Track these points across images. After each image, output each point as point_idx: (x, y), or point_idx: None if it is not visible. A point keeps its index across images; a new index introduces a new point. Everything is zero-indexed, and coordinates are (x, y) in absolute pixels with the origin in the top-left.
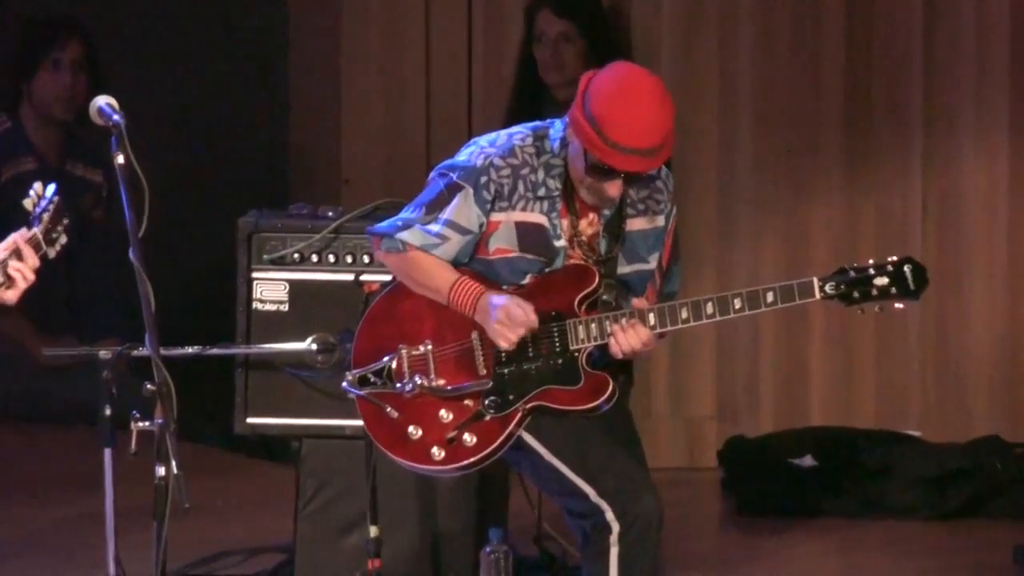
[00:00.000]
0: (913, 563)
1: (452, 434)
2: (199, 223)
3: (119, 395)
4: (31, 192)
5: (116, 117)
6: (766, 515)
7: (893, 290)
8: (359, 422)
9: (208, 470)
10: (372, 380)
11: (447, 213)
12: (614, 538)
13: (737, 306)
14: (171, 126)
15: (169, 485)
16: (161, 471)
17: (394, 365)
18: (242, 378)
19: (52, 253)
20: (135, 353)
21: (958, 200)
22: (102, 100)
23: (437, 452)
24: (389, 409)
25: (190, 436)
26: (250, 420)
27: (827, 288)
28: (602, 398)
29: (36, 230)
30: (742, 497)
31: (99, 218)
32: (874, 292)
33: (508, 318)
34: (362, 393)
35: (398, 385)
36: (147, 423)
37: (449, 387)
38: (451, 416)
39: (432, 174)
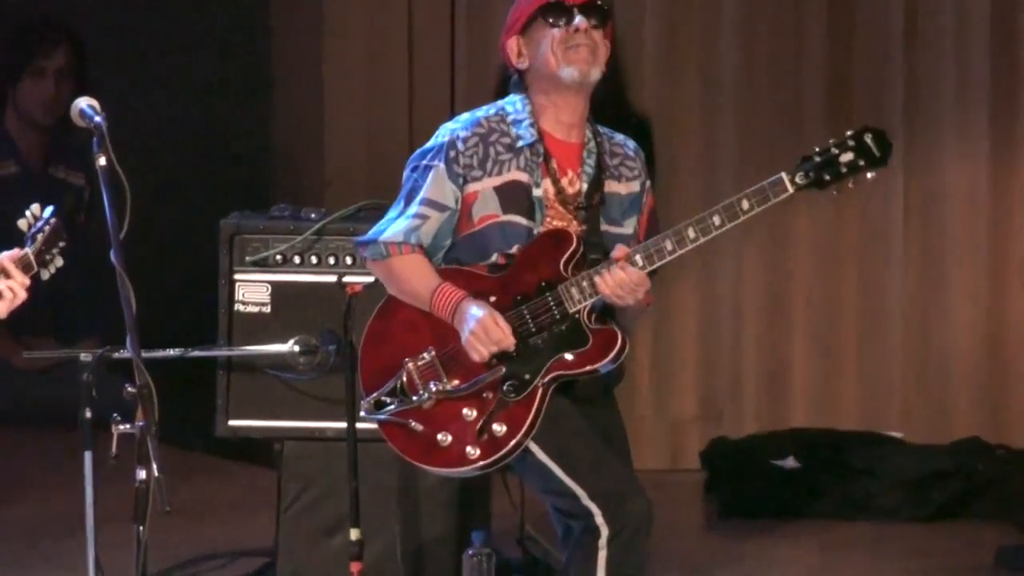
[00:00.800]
0: (895, 564)
1: (481, 427)
2: (181, 225)
3: (100, 397)
4: (28, 213)
5: (97, 119)
6: (749, 516)
7: (860, 162)
8: (341, 424)
9: (189, 473)
10: (388, 401)
11: (422, 192)
12: (603, 541)
13: (717, 223)
14: (154, 128)
15: (150, 488)
16: (142, 474)
17: (404, 379)
18: (224, 380)
19: (46, 275)
20: (116, 355)
21: (939, 202)
22: (83, 102)
23: (472, 451)
24: (413, 424)
25: (171, 439)
26: (232, 422)
27: (798, 179)
28: (614, 351)
29: (28, 250)
30: (725, 499)
31: (82, 221)
32: (843, 169)
33: (485, 333)
34: (383, 416)
35: (415, 398)
36: (128, 426)
37: (464, 385)
38: (475, 412)
39: (405, 172)
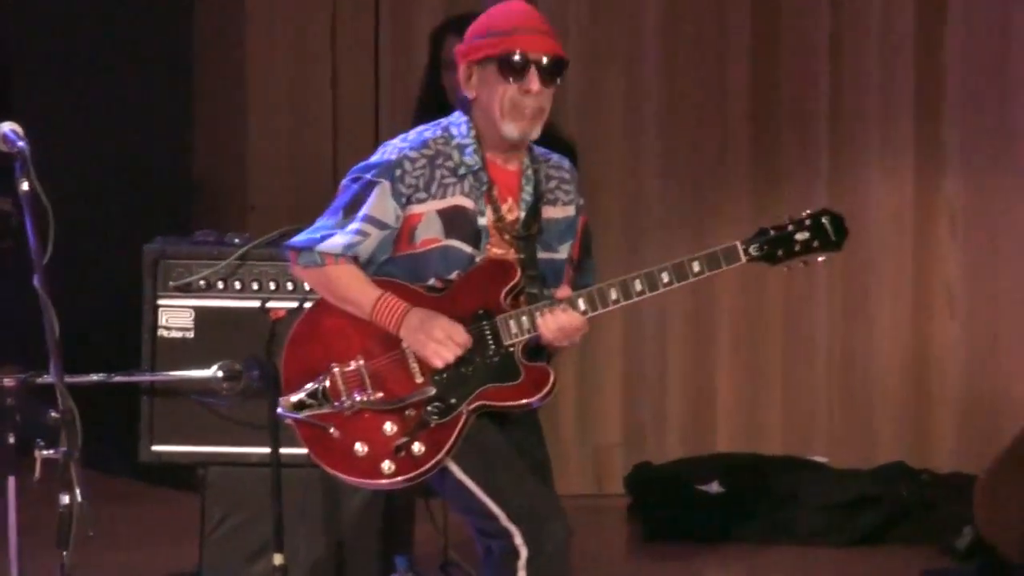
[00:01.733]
0: None
1: (399, 444)
2: (105, 250)
3: (23, 422)
4: None
5: (20, 144)
6: (674, 541)
7: (815, 243)
8: (265, 449)
9: (113, 498)
10: (308, 402)
11: (364, 209)
12: (522, 563)
13: (665, 280)
14: (77, 152)
15: (73, 513)
16: (65, 499)
17: (328, 384)
18: (147, 405)
19: None
20: (39, 380)
21: (864, 223)
22: (6, 127)
23: (388, 466)
24: (332, 429)
25: (95, 464)
26: (155, 448)
27: (751, 250)
28: (544, 389)
29: None
30: (649, 524)
31: (9, 246)
32: (797, 248)
33: (448, 337)
34: (301, 416)
35: (336, 404)
36: (51, 451)
37: (389, 400)
38: (396, 428)
39: (344, 180)
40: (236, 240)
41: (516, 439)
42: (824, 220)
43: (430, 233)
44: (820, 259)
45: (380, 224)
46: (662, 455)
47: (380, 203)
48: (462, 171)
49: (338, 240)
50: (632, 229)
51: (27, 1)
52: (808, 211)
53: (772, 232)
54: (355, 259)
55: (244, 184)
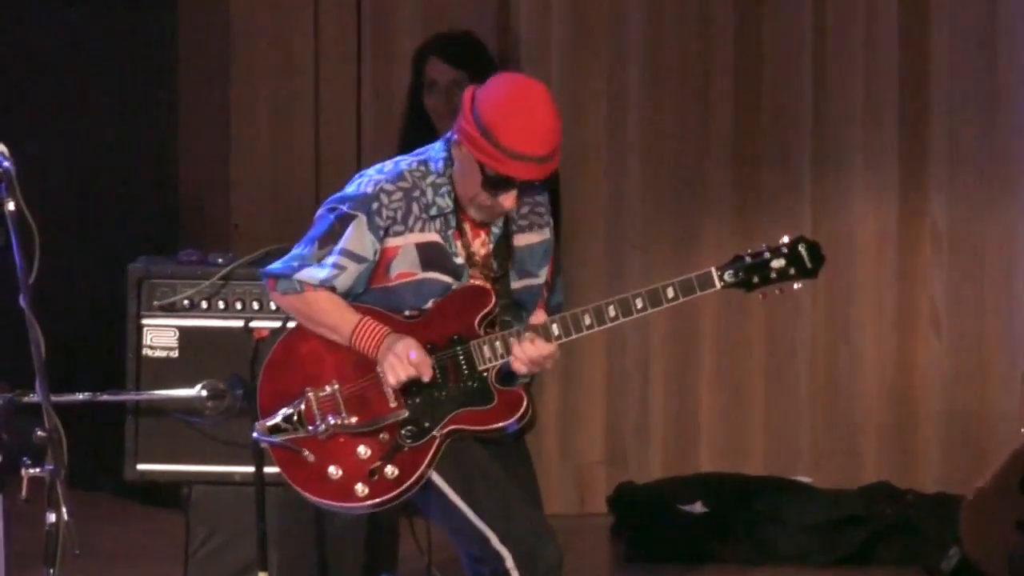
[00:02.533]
0: None
1: (373, 467)
2: (89, 269)
3: (9, 441)
4: None
5: (5, 164)
6: (656, 561)
7: (791, 271)
8: (249, 468)
9: (99, 516)
10: (283, 426)
11: (342, 243)
12: None
13: (639, 306)
14: (61, 172)
15: (60, 531)
16: (52, 517)
17: (303, 408)
18: (132, 424)
19: None
20: (25, 399)
21: (847, 245)
22: None
23: (361, 489)
24: (306, 453)
25: (81, 482)
26: (140, 466)
27: (726, 277)
28: (518, 413)
29: None
30: (632, 543)
31: None
32: (773, 275)
33: (402, 356)
34: (275, 440)
35: (310, 427)
36: (37, 469)
37: (363, 423)
38: (370, 451)
39: (320, 210)
40: (220, 260)
41: (506, 463)
42: (801, 248)
43: (405, 267)
44: (796, 286)
45: (357, 258)
46: (645, 474)
47: (357, 237)
48: (433, 212)
49: (315, 273)
50: (612, 252)
51: (10, 22)
52: (785, 239)
53: (748, 259)
54: (332, 290)
55: (228, 204)
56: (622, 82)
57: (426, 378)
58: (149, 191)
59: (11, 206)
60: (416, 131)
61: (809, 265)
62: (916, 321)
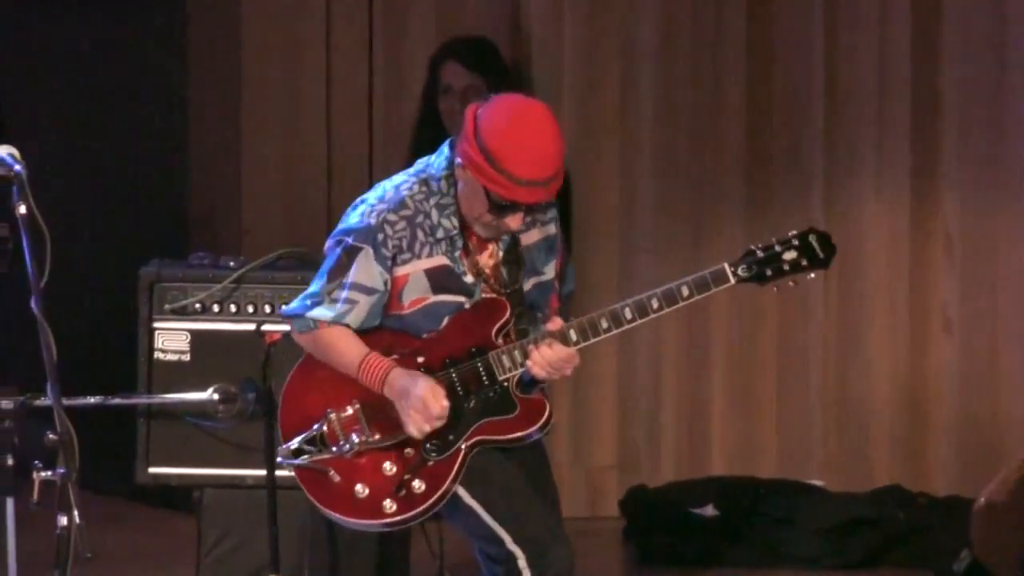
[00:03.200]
0: None
1: (400, 483)
2: (101, 273)
3: (21, 444)
4: None
5: (17, 167)
6: (667, 565)
7: (804, 262)
8: (261, 471)
9: (110, 520)
10: (306, 449)
11: (351, 276)
12: None
13: (655, 306)
14: (73, 176)
15: (71, 535)
16: (63, 520)
17: (325, 430)
18: (144, 428)
19: None
20: (37, 403)
21: (859, 247)
22: (3, 150)
23: (389, 505)
24: (332, 473)
25: (92, 485)
26: (152, 470)
27: (740, 271)
28: (540, 421)
29: None
30: (644, 547)
31: (5, 271)
32: (785, 267)
33: (425, 407)
34: (300, 462)
35: (335, 448)
36: (49, 472)
37: (387, 437)
38: (395, 468)
39: (329, 243)
40: (231, 263)
41: (522, 464)
42: (811, 238)
43: (417, 293)
44: (810, 277)
45: (368, 290)
46: (657, 478)
47: (365, 269)
48: (440, 234)
49: (328, 312)
50: (624, 257)
51: (22, 27)
52: (794, 230)
53: (759, 252)
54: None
55: (239, 208)
56: (634, 85)
57: (443, 418)
58: (160, 195)
59: (23, 209)
60: (428, 135)
61: (821, 255)
62: (928, 324)
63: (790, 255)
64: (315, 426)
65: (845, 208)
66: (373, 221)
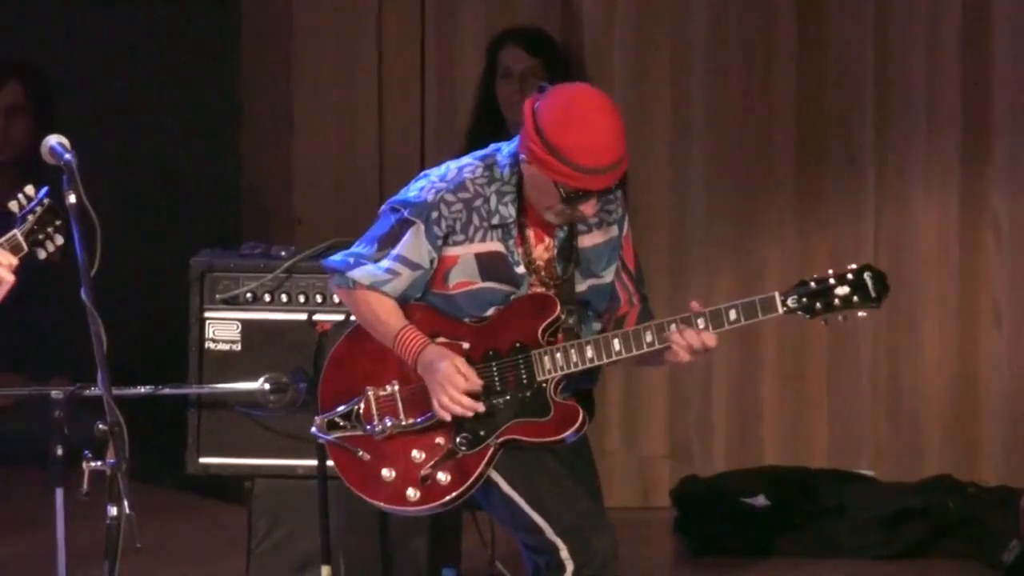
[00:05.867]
0: None
1: (426, 473)
2: (152, 262)
3: (71, 434)
4: (20, 195)
5: (67, 156)
6: (719, 555)
7: (855, 299)
8: (312, 462)
9: (160, 510)
10: (341, 424)
11: (398, 248)
12: None
13: (701, 326)
14: (124, 165)
15: (121, 525)
16: (113, 511)
17: (362, 407)
18: (194, 418)
19: (43, 254)
20: (87, 392)
21: (910, 239)
22: (53, 139)
23: (412, 493)
24: (361, 452)
25: (142, 475)
26: (202, 460)
27: (789, 302)
28: (572, 428)
29: (16, 231)
30: (695, 537)
31: (53, 259)
32: (836, 302)
33: (449, 379)
34: (331, 438)
35: (368, 427)
36: (99, 463)
37: (420, 422)
38: (423, 456)
39: (384, 207)
40: (282, 253)
41: (564, 455)
42: (866, 276)
43: (464, 276)
44: (860, 315)
45: (412, 265)
46: (708, 468)
47: (414, 244)
48: (496, 220)
49: (369, 271)
50: (676, 249)
51: (73, 14)
52: (852, 265)
53: (812, 284)
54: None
55: (290, 197)
56: (685, 76)
57: (476, 389)
58: (212, 185)
59: (73, 199)
60: (485, 121)
61: (873, 295)
62: (978, 315)
63: (843, 290)
64: (353, 400)
65: (895, 200)
66: (430, 198)
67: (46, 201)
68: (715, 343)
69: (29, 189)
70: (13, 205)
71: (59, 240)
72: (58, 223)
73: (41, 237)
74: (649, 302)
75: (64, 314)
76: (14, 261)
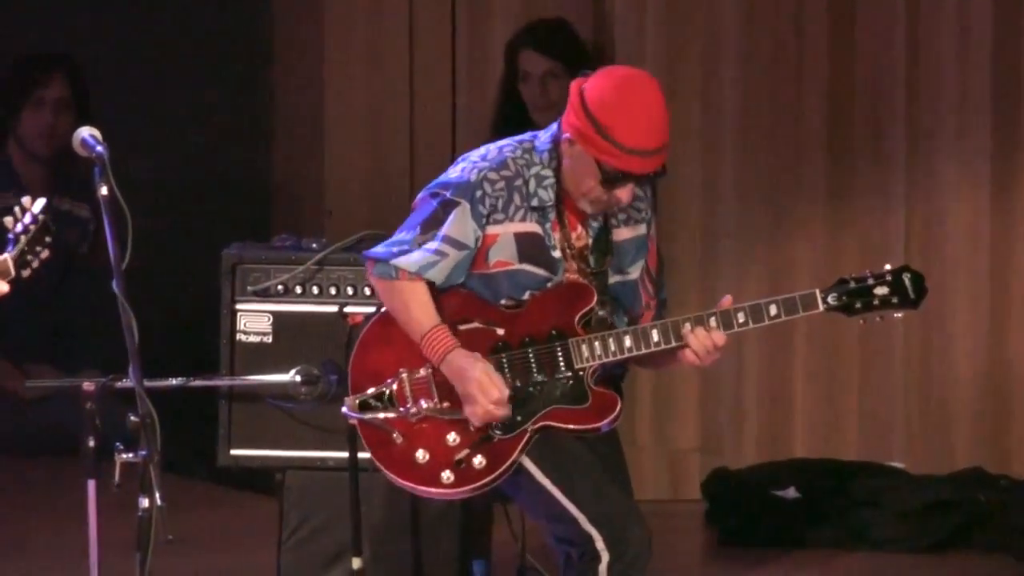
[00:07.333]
0: None
1: (461, 456)
2: (183, 254)
3: (102, 426)
4: (15, 208)
5: (99, 148)
6: (749, 547)
7: (894, 300)
8: (343, 454)
9: (192, 502)
10: (373, 404)
11: (444, 229)
12: (603, 567)
13: (741, 320)
14: (156, 158)
15: (153, 517)
16: (145, 503)
17: (395, 388)
18: (226, 410)
19: (27, 272)
20: (119, 384)
21: (940, 232)
22: (85, 131)
23: (447, 476)
24: (396, 434)
25: (174, 467)
26: (234, 452)
27: (830, 299)
28: (611, 416)
29: (7, 255)
30: (726, 529)
31: (86, 253)
32: (875, 302)
33: (483, 391)
34: (364, 417)
35: (402, 409)
36: (131, 454)
37: (455, 409)
38: (459, 439)
39: (422, 194)
40: (314, 245)
41: (595, 446)
42: (905, 277)
43: (503, 255)
44: (897, 315)
45: (459, 245)
46: (739, 460)
47: (460, 224)
48: (534, 203)
49: (415, 257)
50: (707, 242)
51: (106, 7)
52: (889, 266)
53: (852, 283)
54: (430, 283)
55: (321, 189)
56: (716, 70)
57: (504, 400)
58: (243, 177)
59: (104, 191)
60: (509, 122)
61: (912, 296)
62: (1009, 308)
63: (881, 291)
64: (386, 382)
65: (926, 188)
66: (473, 177)
67: (41, 217)
68: (724, 342)
69: (26, 201)
70: (8, 220)
71: (44, 255)
72: (48, 240)
73: (28, 258)
74: (666, 308)
75: (95, 306)
76: (4, 288)
